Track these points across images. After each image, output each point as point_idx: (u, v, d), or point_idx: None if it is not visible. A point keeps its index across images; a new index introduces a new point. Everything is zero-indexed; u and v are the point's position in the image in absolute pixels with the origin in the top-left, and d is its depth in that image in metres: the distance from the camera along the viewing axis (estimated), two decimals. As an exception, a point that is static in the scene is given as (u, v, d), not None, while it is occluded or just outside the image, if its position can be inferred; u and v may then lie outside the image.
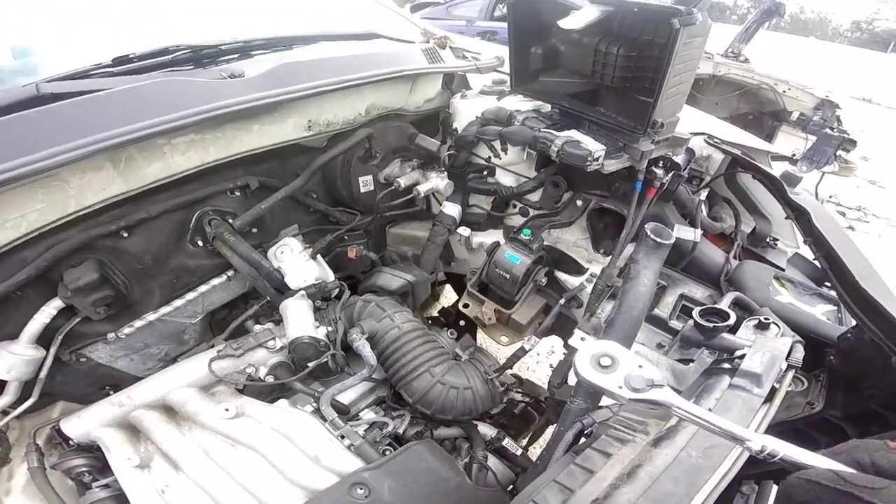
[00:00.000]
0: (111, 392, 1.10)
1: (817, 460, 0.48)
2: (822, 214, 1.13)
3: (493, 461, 1.21)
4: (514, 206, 1.49)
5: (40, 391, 0.98)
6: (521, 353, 1.29)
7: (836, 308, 1.19)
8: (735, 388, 0.77)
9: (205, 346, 1.27)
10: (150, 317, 1.10)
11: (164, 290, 1.12)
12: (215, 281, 1.21)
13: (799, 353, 0.89)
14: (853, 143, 3.61)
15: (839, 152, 3.66)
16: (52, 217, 0.88)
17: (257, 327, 1.16)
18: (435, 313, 1.93)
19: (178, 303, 1.15)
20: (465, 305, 1.43)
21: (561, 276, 1.37)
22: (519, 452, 1.28)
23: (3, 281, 0.87)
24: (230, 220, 1.16)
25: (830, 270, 1.07)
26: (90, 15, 1.38)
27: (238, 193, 1.19)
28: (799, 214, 1.12)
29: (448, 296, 2.59)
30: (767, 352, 0.80)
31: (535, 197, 1.42)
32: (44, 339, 0.96)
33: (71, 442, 1.01)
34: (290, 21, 1.71)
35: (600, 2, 1.11)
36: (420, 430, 1.18)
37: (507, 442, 1.27)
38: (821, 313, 1.16)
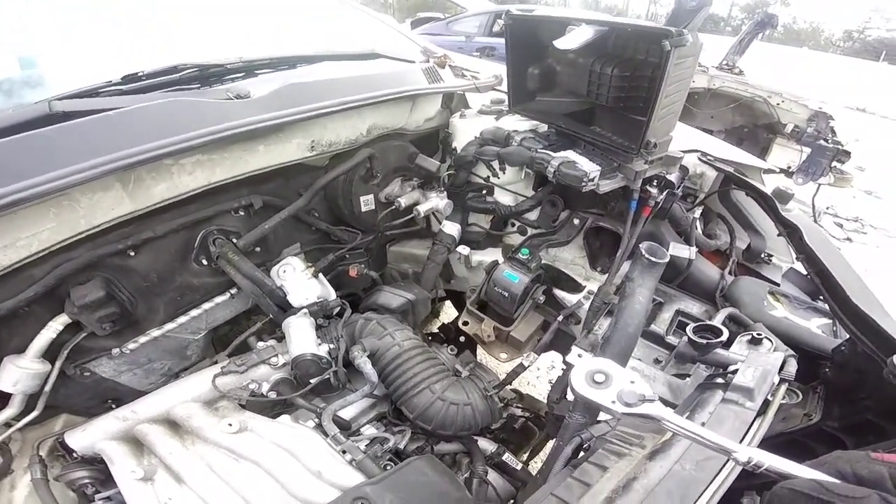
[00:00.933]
0: (114, 406, 1.11)
1: (801, 471, 0.50)
2: (813, 231, 1.15)
3: (493, 476, 1.21)
4: (513, 225, 1.52)
5: (44, 404, 0.99)
6: (521, 369, 1.31)
7: (830, 321, 1.21)
8: (728, 402, 0.78)
9: (207, 361, 1.28)
10: (155, 333, 1.12)
11: (169, 307, 1.14)
12: (219, 298, 1.23)
13: (792, 366, 0.91)
14: (847, 154, 3.66)
15: (834, 163, 3.70)
16: (62, 236, 0.90)
17: (260, 344, 1.18)
18: (435, 329, 1.94)
19: (182, 319, 1.17)
20: (465, 323, 1.45)
21: (559, 293, 1.39)
22: (519, 467, 1.28)
23: (11, 297, 0.88)
24: (234, 240, 1.19)
25: (823, 286, 1.09)
26: (96, 27, 1.41)
27: (242, 213, 1.22)
28: (791, 231, 1.15)
29: (448, 312, 2.60)
30: (759, 366, 0.82)
31: (533, 216, 1.44)
32: (49, 354, 0.98)
33: (74, 454, 1.02)
34: (295, 40, 1.76)
35: (594, 22, 1.15)
36: (421, 446, 1.19)
37: (507, 457, 1.28)
38: (815, 327, 1.18)
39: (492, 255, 1.54)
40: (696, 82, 4.35)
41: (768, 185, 1.30)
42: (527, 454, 1.55)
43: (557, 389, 1.33)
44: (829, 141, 3.68)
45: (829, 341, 1.11)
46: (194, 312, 1.19)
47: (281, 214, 1.22)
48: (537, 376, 2.68)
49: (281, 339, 1.19)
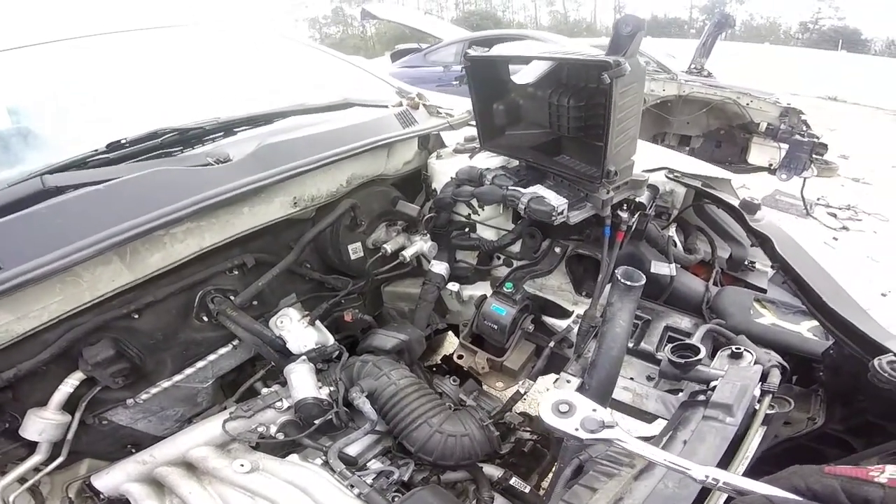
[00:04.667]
0: (133, 450, 1.17)
1: (757, 487, 0.52)
2: (784, 239, 1.19)
3: (500, 501, 1.23)
4: (499, 258, 1.56)
5: (69, 450, 1.05)
6: (518, 396, 1.33)
7: (820, 323, 1.22)
8: (708, 419, 0.80)
9: (217, 407, 1.34)
10: (165, 384, 1.18)
11: (176, 360, 1.20)
12: (222, 350, 1.28)
13: (775, 377, 0.93)
14: (824, 146, 3.74)
15: (814, 156, 3.78)
16: (69, 307, 0.97)
17: (265, 390, 1.23)
18: (438, 361, 1.96)
19: (189, 371, 1.22)
20: (460, 357, 1.48)
21: (548, 320, 1.42)
22: (528, 490, 1.29)
23: (29, 359, 0.96)
24: (231, 297, 1.24)
25: (800, 292, 1.12)
26: (75, 95, 1.50)
27: (236, 272, 1.27)
28: (762, 241, 1.18)
29: (452, 341, 2.62)
30: (738, 381, 0.84)
31: (516, 248, 1.49)
32: (69, 406, 1.04)
33: (101, 496, 1.09)
34: (270, 93, 1.82)
35: (543, 57, 1.20)
36: (426, 476, 1.21)
37: (514, 480, 1.29)
38: (806, 330, 1.19)
39: (482, 288, 1.58)
40: (668, 90, 4.48)
41: (755, 185, 1.32)
42: (538, 476, 1.55)
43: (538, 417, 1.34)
44: (805, 135, 3.77)
45: (819, 344, 1.13)
46: (200, 364, 1.24)
47: (273, 271, 1.28)
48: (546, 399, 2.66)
49: (285, 383, 1.23)
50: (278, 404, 1.17)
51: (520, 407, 1.43)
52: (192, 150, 1.26)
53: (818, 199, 5.05)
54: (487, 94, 1.37)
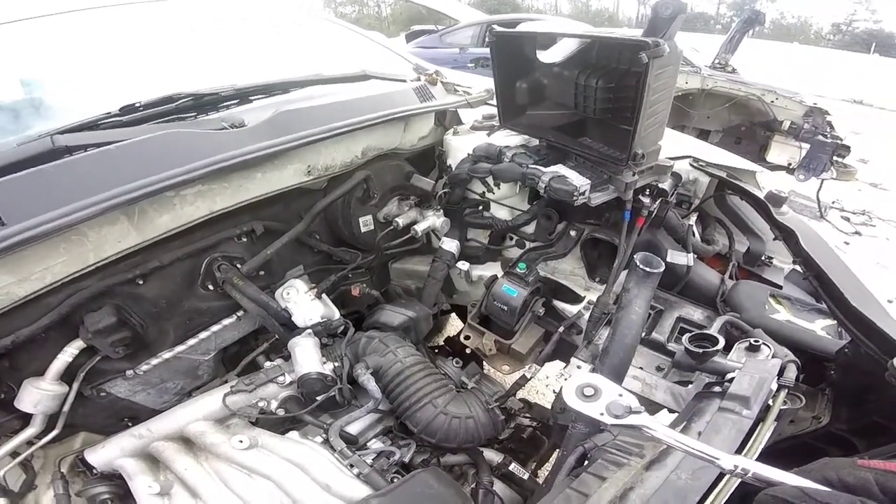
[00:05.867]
0: (130, 424, 1.15)
1: (787, 478, 0.50)
2: (809, 234, 1.15)
3: (499, 486, 1.23)
4: (511, 239, 1.54)
5: (63, 423, 1.03)
6: (523, 381, 1.32)
7: (835, 322, 1.20)
8: (724, 410, 0.78)
9: (218, 381, 1.32)
10: (166, 355, 1.16)
11: (178, 330, 1.18)
12: (226, 321, 1.26)
13: (791, 372, 0.91)
14: (847, 148, 3.64)
15: (835, 158, 3.69)
16: (73, 269, 0.94)
17: (268, 364, 1.21)
18: (441, 342, 1.95)
19: (191, 341, 1.20)
20: (467, 337, 1.46)
21: (559, 304, 1.40)
22: (526, 476, 1.29)
23: (28, 325, 0.93)
24: (238, 265, 1.22)
25: (821, 289, 1.09)
26: (93, 57, 1.46)
27: (245, 239, 1.25)
28: (787, 235, 1.15)
29: (454, 324, 2.61)
30: (756, 374, 0.82)
31: (529, 229, 1.46)
32: (67, 376, 1.02)
33: (94, 470, 1.07)
34: (289, 63, 1.79)
35: (576, 35, 1.17)
36: (426, 458, 1.21)
37: (513, 466, 1.29)
38: (820, 328, 1.17)
39: (492, 269, 1.56)
40: (690, 83, 4.37)
41: (772, 183, 1.29)
42: (535, 463, 1.55)
43: (561, 399, 1.33)
44: (828, 136, 3.67)
45: (833, 343, 1.11)
46: (203, 335, 1.22)
47: (282, 239, 1.25)
48: (546, 385, 2.67)
49: (288, 357, 1.22)
50: (281, 379, 1.16)
51: (520, 393, 1.42)
52: (206, 116, 1.23)
53: (833, 203, 4.97)
54: (511, 71, 1.34)
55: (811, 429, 1.07)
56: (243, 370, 1.30)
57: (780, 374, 0.90)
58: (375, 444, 1.16)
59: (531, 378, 1.31)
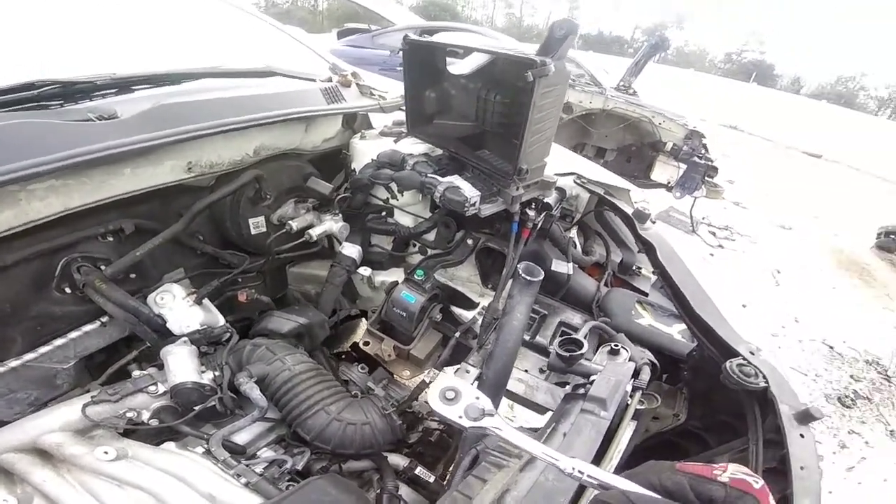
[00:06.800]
0: None
1: (617, 481, 0.56)
2: (665, 248, 1.32)
3: (405, 490, 1.23)
4: (414, 246, 1.55)
5: None
6: (423, 385, 1.34)
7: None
8: (585, 412, 0.87)
9: (79, 390, 1.17)
10: (12, 363, 1.01)
11: (27, 336, 1.04)
12: (88, 327, 1.13)
13: (646, 374, 1.03)
14: (715, 169, 4.23)
15: (706, 178, 4.26)
16: None
17: (136, 373, 1.10)
18: (347, 348, 1.91)
19: (44, 349, 1.06)
20: (366, 343, 1.45)
21: (456, 310, 1.45)
22: (432, 479, 1.31)
23: None
24: (102, 267, 1.09)
25: (673, 297, 1.25)
26: None
27: (111, 238, 1.12)
28: (648, 248, 1.30)
29: (364, 329, 2.57)
30: (613, 377, 0.92)
31: (431, 237, 1.49)
32: None
33: None
34: (188, 54, 1.64)
35: (483, 49, 1.21)
36: (325, 466, 1.18)
37: (419, 470, 1.30)
38: (676, 332, 1.31)
39: (395, 275, 1.56)
40: (594, 103, 4.77)
41: (654, 200, 1.44)
42: (443, 466, 1.58)
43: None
44: (702, 157, 4.23)
45: (686, 346, 1.25)
46: (59, 342, 1.09)
47: (155, 240, 1.14)
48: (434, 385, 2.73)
49: (162, 366, 1.12)
50: (152, 388, 1.06)
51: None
52: (74, 105, 1.09)
53: (703, 218, 5.72)
54: (421, 80, 1.35)
55: (672, 426, 1.21)
56: (110, 379, 1.17)
57: (636, 376, 1.02)
58: (266, 454, 1.11)
59: (430, 382, 1.34)
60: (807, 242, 5.86)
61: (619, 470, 0.79)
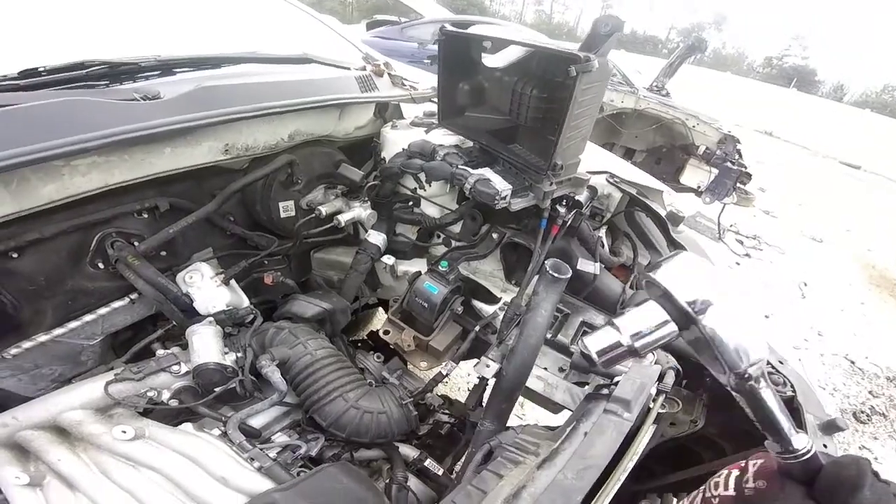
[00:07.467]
0: None
1: None
2: (697, 252, 1.29)
3: (413, 482, 1.24)
4: (439, 237, 1.55)
5: None
6: (440, 377, 1.34)
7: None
8: (608, 412, 0.86)
9: (103, 368, 1.21)
10: (42, 338, 1.04)
11: (59, 311, 1.06)
12: (117, 304, 1.16)
13: (670, 378, 1.01)
14: (749, 175, 4.08)
15: (738, 184, 4.13)
16: None
17: (161, 352, 1.13)
18: (364, 336, 1.93)
19: (73, 324, 1.09)
20: (386, 332, 1.46)
21: (477, 304, 1.44)
22: (441, 472, 1.31)
23: None
24: (135, 243, 1.12)
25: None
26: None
27: (146, 215, 1.16)
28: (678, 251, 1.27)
29: (381, 318, 2.60)
30: (638, 379, 0.91)
31: (456, 228, 1.48)
32: None
33: None
34: (227, 39, 1.67)
35: (521, 42, 1.20)
36: (338, 453, 1.19)
37: (429, 462, 1.31)
38: (701, 337, 1.31)
39: (418, 265, 1.56)
40: (626, 103, 4.66)
41: (682, 204, 1.41)
42: (452, 459, 1.58)
43: (473, 397, 1.38)
44: (735, 163, 4.09)
45: None
46: (88, 317, 1.11)
47: (188, 218, 1.17)
48: (468, 382, 2.74)
49: (186, 346, 1.14)
50: (175, 368, 1.08)
51: (441, 389, 1.44)
52: (119, 86, 1.12)
53: (731, 226, 5.56)
54: (455, 71, 1.34)
55: (688, 431, 1.19)
56: (134, 357, 1.19)
57: (660, 379, 1.00)
58: (281, 438, 1.12)
59: (447, 375, 1.34)
60: (837, 256, 5.65)
61: (631, 473, 0.79)
